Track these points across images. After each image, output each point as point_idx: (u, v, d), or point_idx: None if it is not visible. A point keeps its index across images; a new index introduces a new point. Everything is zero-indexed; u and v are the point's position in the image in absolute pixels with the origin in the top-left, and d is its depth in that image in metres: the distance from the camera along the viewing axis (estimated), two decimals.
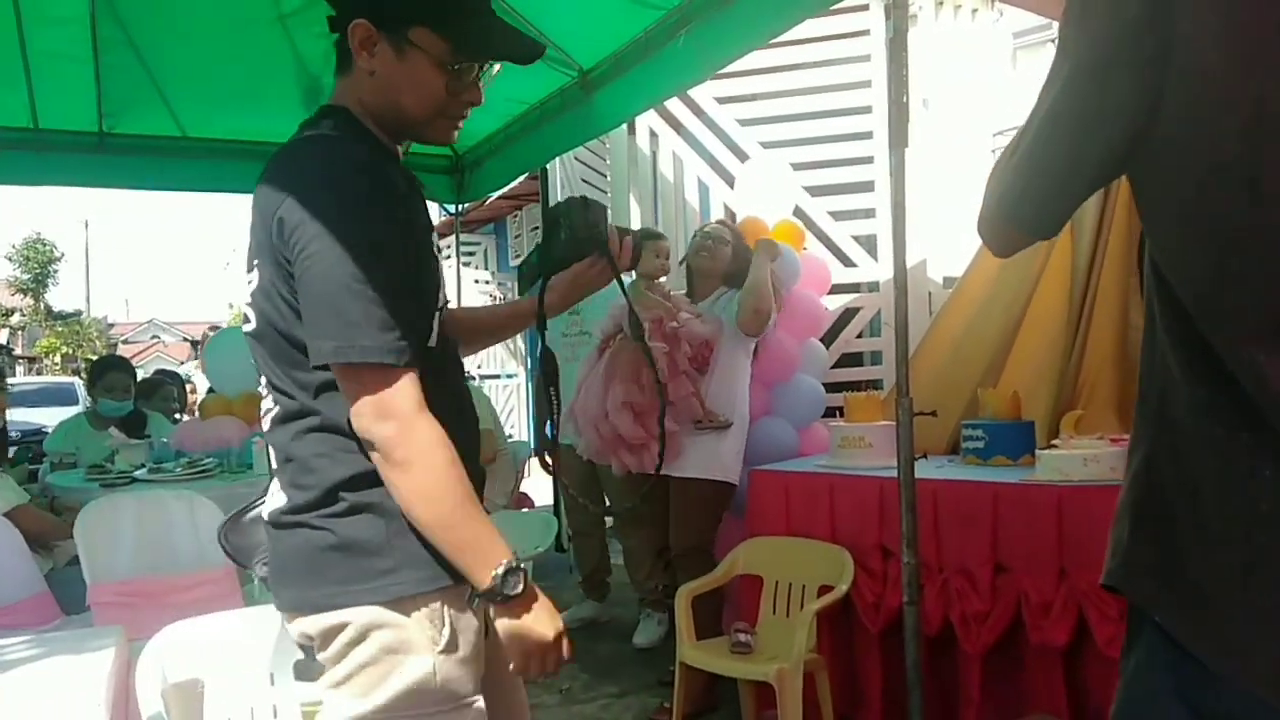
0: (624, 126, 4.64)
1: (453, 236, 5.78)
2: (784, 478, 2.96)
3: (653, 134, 4.75)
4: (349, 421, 1.14)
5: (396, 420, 1.10)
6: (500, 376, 9.89)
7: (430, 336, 1.21)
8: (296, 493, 1.19)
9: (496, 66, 1.26)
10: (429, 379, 1.15)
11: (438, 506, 1.13)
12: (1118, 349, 2.91)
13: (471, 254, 10.26)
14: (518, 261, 9.87)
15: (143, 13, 3.32)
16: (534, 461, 4.98)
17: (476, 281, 10.06)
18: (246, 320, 1.23)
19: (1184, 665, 0.90)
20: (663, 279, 3.34)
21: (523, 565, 1.17)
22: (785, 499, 2.90)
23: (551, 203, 4.91)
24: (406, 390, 1.11)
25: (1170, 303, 0.89)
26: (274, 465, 1.25)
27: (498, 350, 9.80)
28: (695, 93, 4.33)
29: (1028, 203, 0.99)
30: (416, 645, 1.16)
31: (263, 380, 1.25)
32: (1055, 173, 0.95)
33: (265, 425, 1.26)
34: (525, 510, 4.28)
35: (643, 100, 3.45)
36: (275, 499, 1.24)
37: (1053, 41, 3.52)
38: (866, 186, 4.24)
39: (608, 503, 3.95)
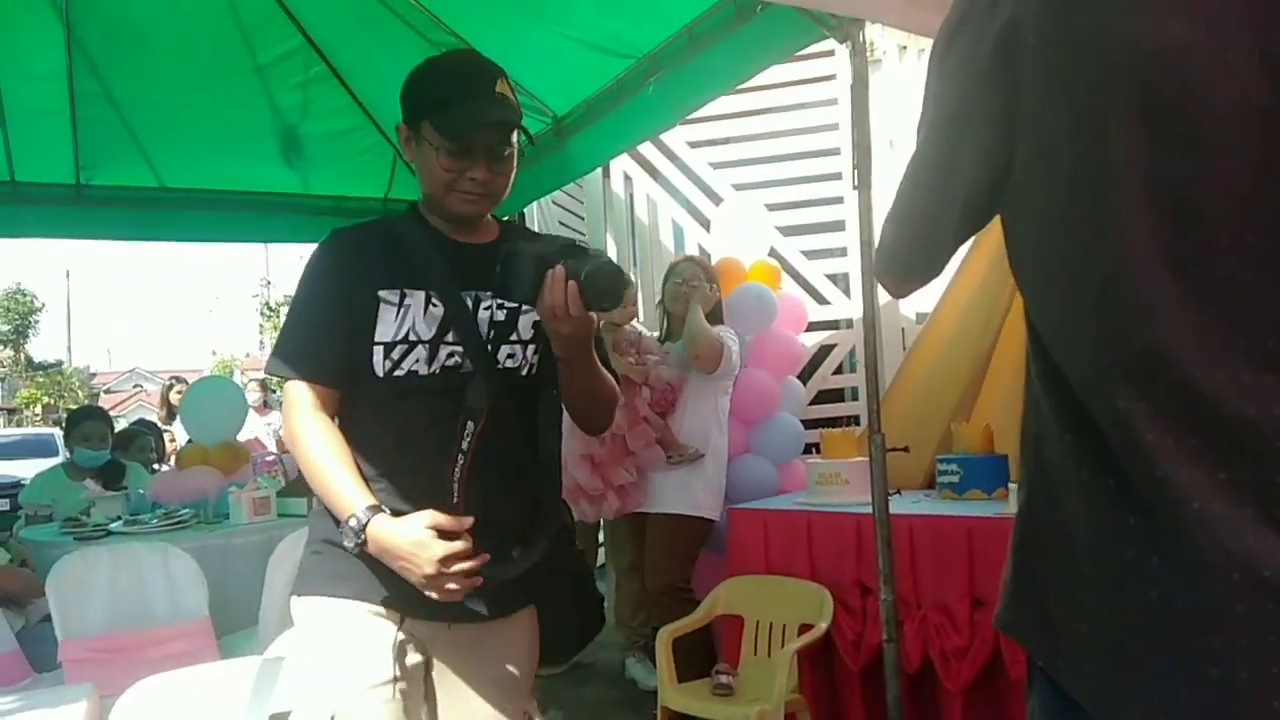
0: (599, 171, 4.71)
1: None
2: (763, 515, 2.97)
3: (627, 177, 4.82)
4: None
5: (290, 416, 1.40)
6: None
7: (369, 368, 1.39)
8: None
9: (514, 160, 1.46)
10: (370, 405, 1.39)
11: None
12: None
13: None
14: None
15: (120, 66, 3.36)
16: None
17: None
18: None
19: (1071, 712, 0.89)
20: (631, 323, 3.38)
21: (362, 518, 1.27)
22: (764, 537, 2.91)
23: None
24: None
25: (1039, 346, 0.90)
26: None
27: None
28: (668, 137, 4.41)
29: (900, 249, 1.01)
30: None
31: None
32: (922, 220, 0.97)
33: None
34: None
35: (616, 145, 3.52)
36: None
37: None
38: (838, 226, 4.31)
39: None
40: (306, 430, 1.36)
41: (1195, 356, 0.79)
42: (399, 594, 1.34)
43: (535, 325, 1.43)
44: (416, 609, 1.36)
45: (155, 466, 4.83)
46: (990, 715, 2.42)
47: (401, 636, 1.37)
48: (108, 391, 31.57)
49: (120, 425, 5.23)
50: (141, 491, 3.75)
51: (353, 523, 1.28)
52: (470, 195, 1.40)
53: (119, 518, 3.51)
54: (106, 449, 4.12)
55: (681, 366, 3.23)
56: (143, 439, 4.82)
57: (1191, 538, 0.78)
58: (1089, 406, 0.84)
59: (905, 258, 1.02)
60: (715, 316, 3.27)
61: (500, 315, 1.41)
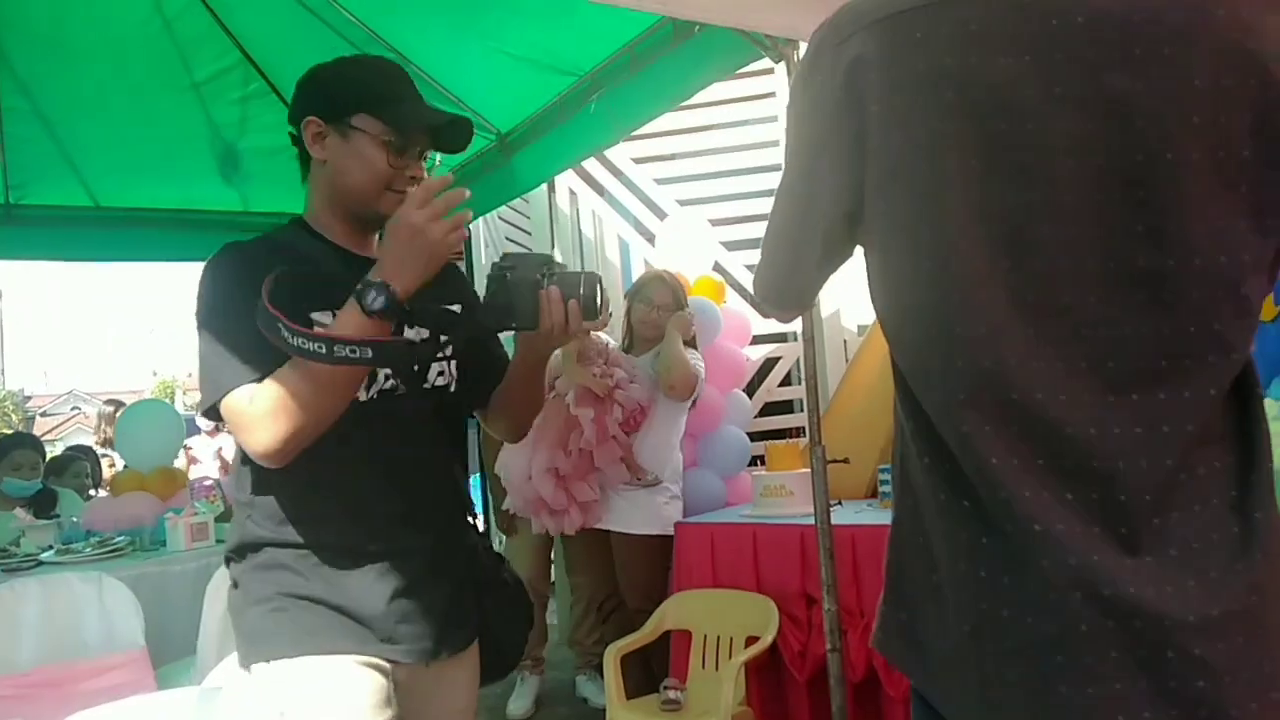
0: (544, 187, 4.72)
1: None
2: (709, 529, 2.99)
3: (572, 193, 4.83)
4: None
5: (263, 420, 1.22)
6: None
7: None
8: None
9: (439, 158, 1.34)
10: (353, 433, 1.26)
11: (297, 413, 1.20)
12: None
13: None
14: None
15: (49, 83, 3.29)
16: None
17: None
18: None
19: None
20: (601, 333, 3.35)
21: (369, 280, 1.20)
22: (711, 550, 2.92)
23: (476, 262, 4.93)
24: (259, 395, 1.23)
25: (898, 374, 0.92)
26: None
27: None
28: (612, 154, 4.44)
29: (769, 278, 1.04)
30: None
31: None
32: (787, 251, 1.00)
33: None
34: None
35: (560, 161, 3.54)
36: None
37: None
38: None
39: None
40: (268, 382, 1.21)
41: (1037, 380, 0.81)
42: (380, 636, 1.29)
43: (452, 341, 1.41)
44: (397, 650, 1.30)
45: (91, 492, 4.69)
46: None
47: (390, 685, 1.30)
48: (44, 415, 30.57)
49: (57, 449, 5.07)
50: (75, 519, 3.63)
51: (367, 289, 1.18)
52: (403, 195, 1.31)
53: (50, 547, 3.40)
54: (38, 478, 3.99)
55: (651, 386, 3.23)
56: (78, 464, 4.68)
57: (1036, 558, 0.80)
58: (940, 431, 0.86)
59: (775, 286, 1.04)
60: (690, 340, 3.31)
61: (425, 333, 1.34)
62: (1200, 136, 0.79)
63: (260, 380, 1.21)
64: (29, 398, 34.27)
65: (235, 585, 1.37)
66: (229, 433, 1.29)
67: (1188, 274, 0.80)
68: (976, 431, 0.82)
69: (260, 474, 1.30)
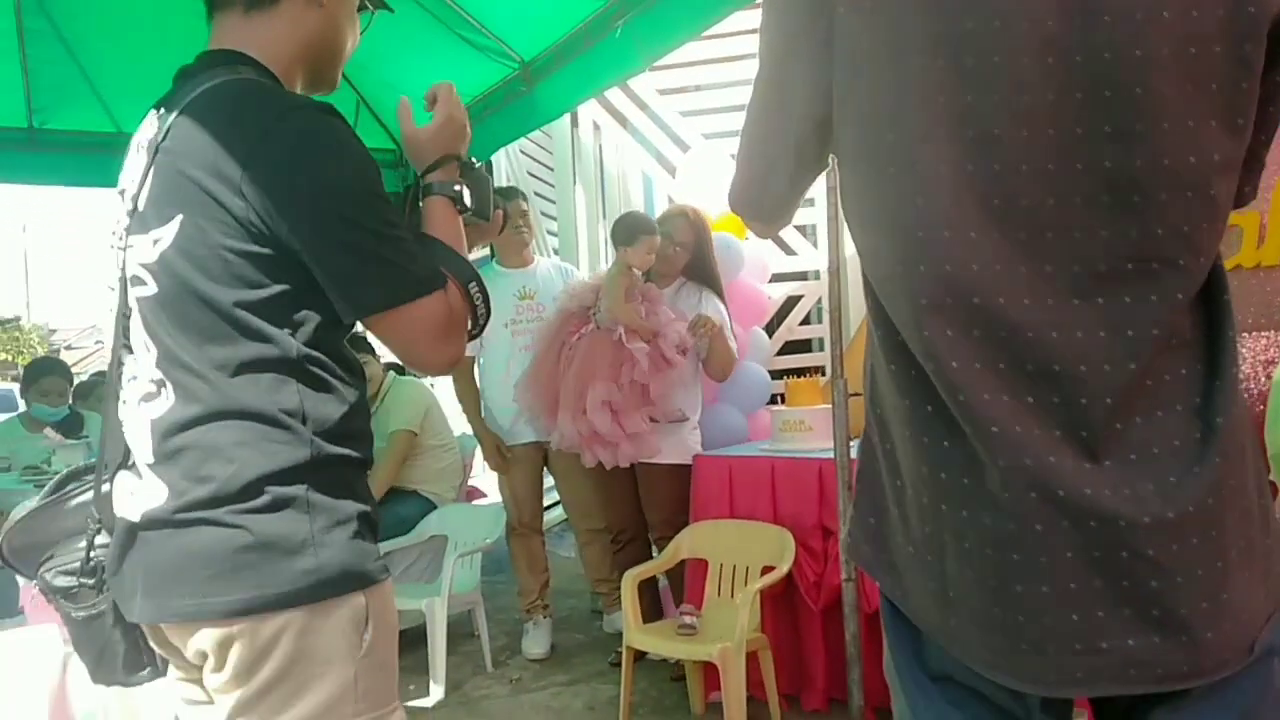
0: (567, 119, 4.66)
1: None
2: (727, 462, 3.01)
3: (596, 126, 4.77)
4: (278, 407, 1.07)
5: (459, 330, 1.16)
6: None
7: None
8: (196, 486, 1.07)
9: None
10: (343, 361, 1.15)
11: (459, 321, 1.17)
12: None
13: None
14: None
15: (70, 3, 3.25)
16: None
17: None
18: (138, 283, 1.12)
19: (908, 627, 0.93)
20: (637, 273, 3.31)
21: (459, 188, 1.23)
22: (729, 483, 2.95)
23: None
24: (454, 304, 1.15)
25: (868, 284, 0.92)
26: (145, 454, 1.12)
27: None
28: (637, 85, 4.36)
29: (745, 191, 1.02)
30: (338, 653, 1.09)
31: (145, 354, 1.13)
32: (760, 163, 0.99)
33: (133, 406, 1.14)
34: (475, 503, 4.27)
35: (584, 91, 3.47)
36: (145, 495, 1.11)
37: None
38: None
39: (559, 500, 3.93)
40: (449, 305, 1.15)
41: (999, 283, 0.81)
42: None
43: None
44: None
45: None
46: None
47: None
48: (69, 348, 31.00)
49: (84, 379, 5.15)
50: None
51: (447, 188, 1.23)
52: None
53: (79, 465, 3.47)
54: (65, 404, 4.05)
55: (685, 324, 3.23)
56: (102, 388, 4.76)
57: (994, 459, 0.81)
58: (905, 337, 0.86)
59: (751, 197, 1.03)
60: (699, 270, 3.29)
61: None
62: (1171, 32, 0.77)
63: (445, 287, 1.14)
64: (54, 330, 34.75)
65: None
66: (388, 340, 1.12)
67: (1156, 174, 0.79)
68: (939, 335, 0.82)
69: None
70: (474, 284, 1.18)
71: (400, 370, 4.04)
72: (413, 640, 3.60)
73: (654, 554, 3.26)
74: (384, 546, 3.47)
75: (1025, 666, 0.83)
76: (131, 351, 1.16)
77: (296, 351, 1.09)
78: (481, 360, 3.67)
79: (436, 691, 3.15)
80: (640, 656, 2.86)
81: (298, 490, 1.08)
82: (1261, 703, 0.83)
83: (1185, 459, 0.80)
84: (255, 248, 1.06)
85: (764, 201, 1.02)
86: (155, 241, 1.10)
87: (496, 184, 5.28)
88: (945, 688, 0.91)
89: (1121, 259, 0.80)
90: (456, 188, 1.24)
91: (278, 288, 1.08)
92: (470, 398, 3.63)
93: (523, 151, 5.34)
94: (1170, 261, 0.80)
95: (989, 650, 0.85)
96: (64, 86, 3.61)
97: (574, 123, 4.83)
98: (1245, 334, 2.60)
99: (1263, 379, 2.57)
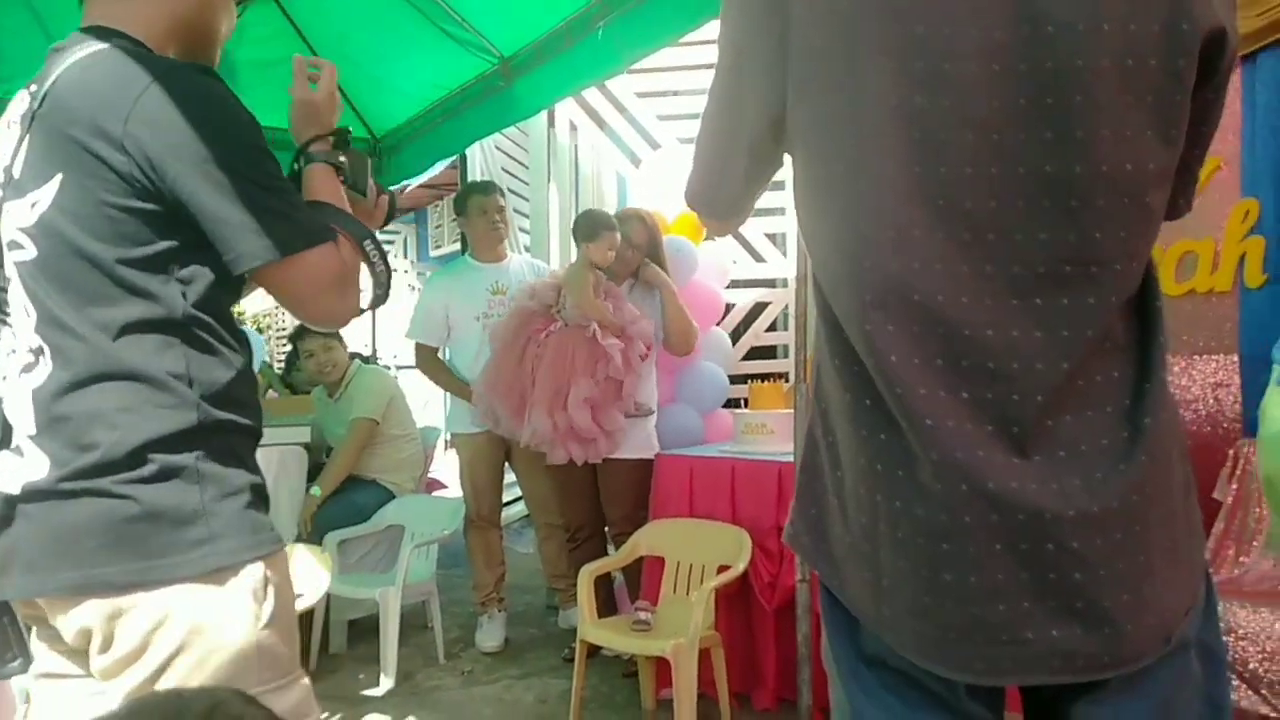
0: (544, 118, 4.68)
1: None
2: (688, 462, 3.04)
3: (573, 126, 4.79)
4: (164, 370, 1.05)
5: (352, 283, 1.17)
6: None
7: None
8: (79, 454, 1.03)
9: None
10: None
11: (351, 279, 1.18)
12: None
13: (390, 243, 10.11)
14: (438, 252, 9.76)
15: None
16: (443, 446, 4.94)
17: (395, 271, 9.89)
18: (15, 248, 1.09)
19: (844, 615, 0.95)
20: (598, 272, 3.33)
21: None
22: (690, 483, 2.98)
23: None
24: (346, 257, 1.16)
25: (816, 282, 0.94)
26: (27, 427, 1.07)
27: None
28: (616, 87, 4.39)
29: (700, 190, 1.05)
30: (237, 624, 1.06)
31: (25, 319, 1.09)
32: (715, 159, 1.01)
33: (14, 379, 1.10)
34: (435, 494, 4.25)
35: (563, 89, 3.48)
36: (26, 469, 1.06)
37: None
38: (777, 184, 4.33)
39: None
40: (340, 258, 1.19)
41: (940, 282, 0.84)
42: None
43: None
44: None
45: None
46: None
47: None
48: None
49: None
50: None
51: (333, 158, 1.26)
52: None
53: None
54: None
55: (651, 323, 3.26)
56: None
57: (927, 452, 0.84)
58: (848, 332, 0.88)
59: (706, 195, 1.05)
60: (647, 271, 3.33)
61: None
62: (1110, 45, 0.80)
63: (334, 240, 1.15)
64: None
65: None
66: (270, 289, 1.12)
67: (1094, 181, 0.82)
68: (879, 331, 0.85)
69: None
70: (368, 241, 1.19)
71: (366, 359, 4.01)
72: (365, 630, 3.60)
73: (611, 554, 3.27)
74: (340, 534, 3.46)
75: (954, 655, 0.86)
76: (9, 325, 1.13)
77: (182, 312, 1.07)
78: (449, 350, 3.66)
79: (387, 681, 3.13)
80: (594, 652, 2.87)
81: (186, 459, 1.05)
82: (1178, 693, 0.86)
83: (1112, 457, 0.83)
84: (140, 203, 1.04)
85: (719, 198, 1.04)
86: (33, 205, 1.07)
87: (471, 178, 5.28)
88: (880, 673, 0.93)
89: (1060, 261, 0.83)
90: (342, 159, 1.28)
91: (164, 244, 1.06)
92: (439, 370, 3.63)
93: (498, 148, 5.34)
94: (1107, 265, 0.83)
95: (920, 639, 0.87)
96: (31, 56, 3.52)
97: (550, 122, 4.85)
98: (1196, 356, 2.68)
99: (1211, 400, 2.65)
